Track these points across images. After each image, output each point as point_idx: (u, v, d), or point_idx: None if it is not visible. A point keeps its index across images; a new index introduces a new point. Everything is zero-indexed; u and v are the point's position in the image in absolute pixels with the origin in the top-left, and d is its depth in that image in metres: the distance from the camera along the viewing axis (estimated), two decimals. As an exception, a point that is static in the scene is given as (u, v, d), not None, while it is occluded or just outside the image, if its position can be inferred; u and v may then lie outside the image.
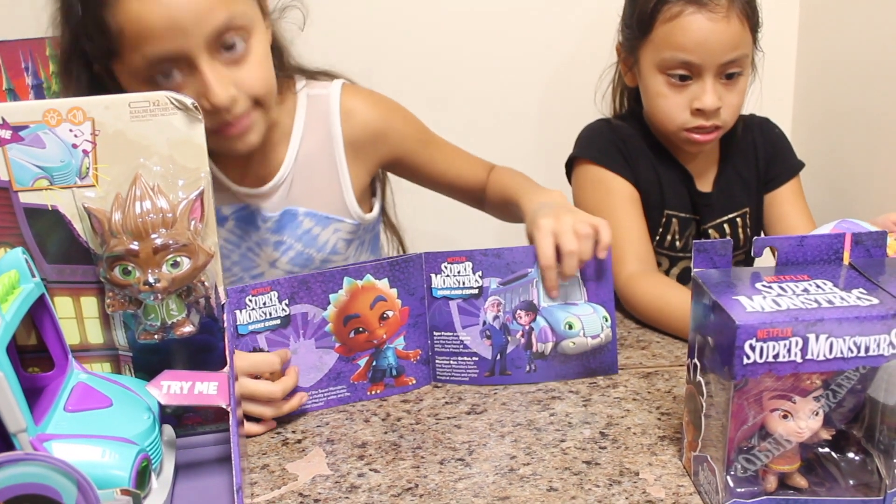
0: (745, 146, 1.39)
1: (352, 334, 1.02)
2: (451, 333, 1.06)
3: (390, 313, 1.03)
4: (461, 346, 1.06)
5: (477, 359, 1.05)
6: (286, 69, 1.19)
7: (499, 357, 1.05)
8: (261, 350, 0.97)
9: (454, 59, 1.71)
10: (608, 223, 1.04)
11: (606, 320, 1.04)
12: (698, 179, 1.37)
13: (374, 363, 1.04)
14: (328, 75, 1.24)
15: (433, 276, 1.05)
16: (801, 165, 1.41)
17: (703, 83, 1.24)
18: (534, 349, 1.04)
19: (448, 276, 1.04)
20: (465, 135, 1.56)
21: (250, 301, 0.95)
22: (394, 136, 1.24)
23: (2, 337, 0.67)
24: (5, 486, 0.67)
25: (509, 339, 1.04)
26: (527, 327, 1.04)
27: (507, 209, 1.22)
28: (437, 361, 1.07)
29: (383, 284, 1.02)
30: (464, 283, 1.04)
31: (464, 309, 1.05)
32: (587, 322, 1.04)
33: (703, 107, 1.24)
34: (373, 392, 1.04)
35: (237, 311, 0.94)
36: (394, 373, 1.05)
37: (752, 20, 1.25)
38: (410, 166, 1.29)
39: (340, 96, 1.20)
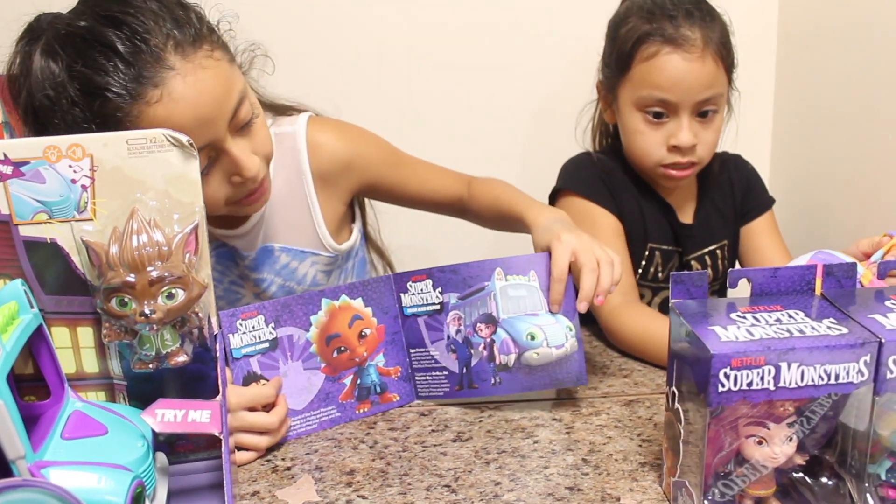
0: (722, 181, 1.43)
1: (335, 353, 1.05)
2: (423, 349, 1.10)
3: (368, 331, 1.07)
4: (433, 362, 1.10)
5: (447, 373, 1.09)
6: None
7: (465, 370, 1.08)
8: (255, 373, 1.00)
9: (437, 92, 1.74)
10: (620, 260, 1.05)
11: (571, 330, 1.04)
12: (679, 212, 1.40)
13: (358, 381, 1.07)
14: (295, 110, 1.26)
15: (402, 294, 1.09)
16: (772, 201, 1.45)
17: (679, 121, 1.28)
18: (497, 361, 1.06)
19: (414, 294, 1.08)
20: (446, 162, 1.60)
21: (241, 325, 0.98)
22: (362, 162, 1.25)
23: (2, 366, 0.70)
24: (5, 511, 0.69)
25: (472, 352, 1.07)
26: (488, 340, 1.06)
27: (504, 220, 1.22)
28: (416, 378, 1.11)
29: (358, 304, 1.07)
30: (427, 300, 1.08)
31: (430, 325, 1.09)
32: (550, 332, 1.03)
33: (679, 143, 1.28)
34: (361, 410, 1.08)
35: (230, 335, 0.96)
36: (378, 390, 1.09)
37: (726, 61, 1.29)
38: (384, 189, 1.30)
39: (307, 131, 1.21)
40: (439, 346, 1.09)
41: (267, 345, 1.01)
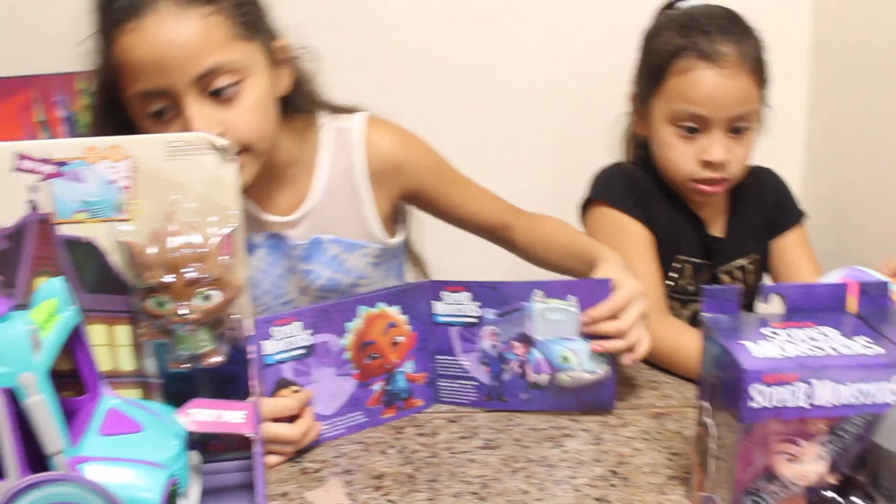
0: (753, 194, 1.42)
1: (367, 360, 1.06)
2: (451, 358, 1.10)
3: (401, 338, 1.08)
4: (461, 371, 1.10)
5: (476, 383, 1.10)
6: (309, 107, 1.23)
7: (496, 383, 1.09)
8: (286, 380, 1.00)
9: (469, 101, 1.75)
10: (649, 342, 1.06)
11: (606, 356, 1.05)
12: (710, 225, 1.39)
13: (386, 387, 1.08)
14: (352, 111, 1.28)
15: (435, 302, 1.09)
16: (803, 215, 1.44)
17: (711, 136, 1.28)
18: (529, 379, 1.07)
19: (448, 303, 1.09)
20: (480, 172, 1.59)
21: (275, 331, 0.98)
22: (413, 168, 1.27)
23: (44, 362, 0.71)
24: (42, 504, 0.71)
25: (505, 367, 1.08)
26: (522, 358, 1.07)
27: (560, 255, 1.24)
28: (439, 383, 1.12)
29: (394, 311, 1.07)
30: (462, 312, 1.08)
31: (463, 335, 1.09)
32: (584, 357, 1.05)
33: (712, 159, 1.28)
34: (386, 416, 1.08)
35: (264, 342, 0.97)
36: (404, 395, 1.09)
37: (760, 77, 1.29)
38: (429, 199, 1.31)
39: (365, 128, 1.24)
40: (471, 357, 1.09)
41: (303, 351, 1.01)
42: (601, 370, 1.06)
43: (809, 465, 0.80)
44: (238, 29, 1.06)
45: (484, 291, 1.07)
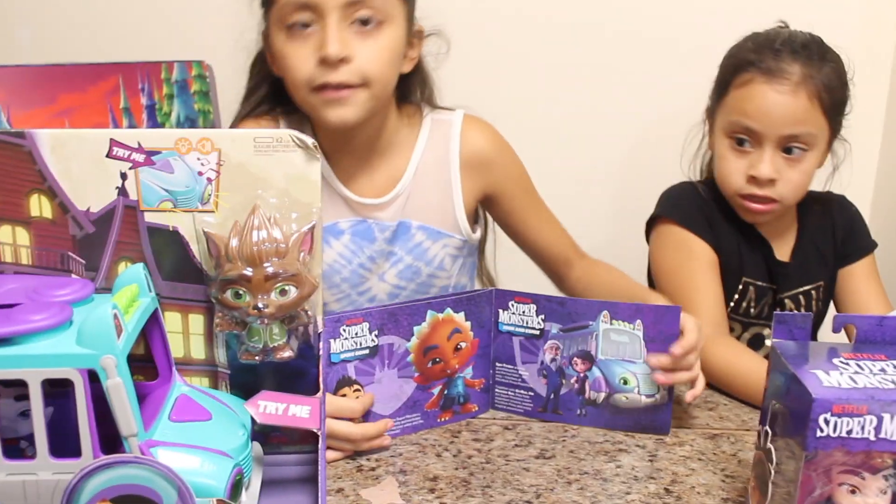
0: (823, 220, 1.41)
1: (430, 364, 1.07)
2: (511, 366, 1.12)
3: (464, 344, 1.09)
4: (519, 380, 1.11)
5: (532, 394, 1.11)
6: (419, 95, 1.30)
7: (552, 396, 1.10)
8: (349, 378, 1.02)
9: (543, 111, 1.75)
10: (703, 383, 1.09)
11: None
12: (777, 249, 1.38)
13: (445, 392, 1.09)
14: (452, 109, 1.33)
15: (501, 311, 1.10)
16: (874, 245, 1.43)
17: (761, 152, 1.27)
18: (586, 395, 1.09)
19: (514, 313, 1.10)
20: (550, 182, 1.59)
21: (344, 331, 1.00)
22: (500, 169, 1.31)
23: (124, 346, 0.73)
24: (114, 484, 0.73)
25: (563, 381, 1.09)
26: (581, 374, 1.08)
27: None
28: (496, 390, 1.13)
29: (460, 317, 1.08)
30: (527, 323, 1.09)
31: (525, 346, 1.10)
32: (643, 380, 1.07)
33: (757, 175, 1.27)
34: (442, 419, 1.09)
35: (331, 340, 0.99)
36: (461, 400, 1.11)
37: (826, 103, 1.26)
38: (506, 208, 1.34)
39: (462, 121, 1.29)
40: (530, 368, 1.10)
41: (367, 351, 1.02)
42: (658, 395, 1.07)
43: (871, 498, 0.79)
44: None
45: (551, 306, 1.08)
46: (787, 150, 1.27)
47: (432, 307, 1.06)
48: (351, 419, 1.01)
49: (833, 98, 1.27)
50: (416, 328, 1.05)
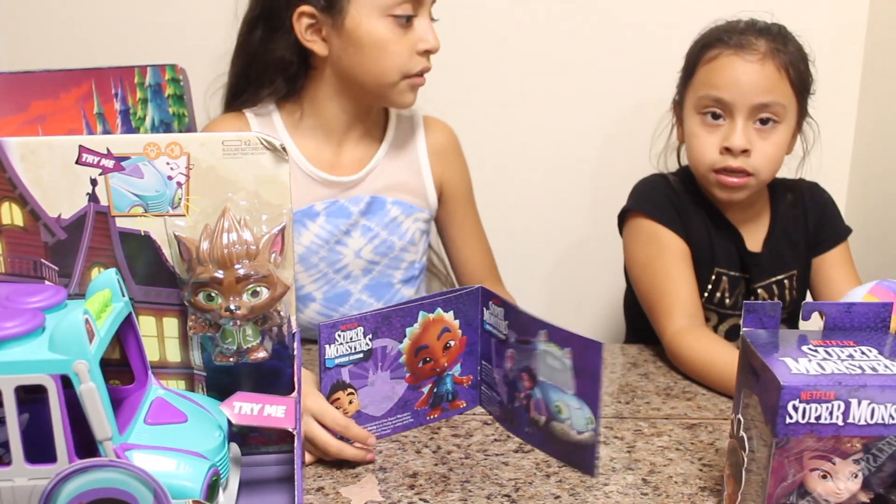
0: (795, 209, 1.41)
1: (420, 364, 1.07)
2: (489, 366, 1.12)
3: (453, 343, 1.09)
4: (494, 382, 1.11)
5: (500, 400, 1.10)
6: None
7: (510, 406, 1.08)
8: (343, 382, 1.01)
9: (516, 105, 1.76)
10: None
11: (591, 423, 0.96)
12: (748, 239, 1.39)
13: (434, 390, 1.09)
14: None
15: (484, 309, 1.11)
16: (848, 231, 1.43)
17: (733, 123, 1.27)
18: (531, 415, 1.04)
19: (492, 314, 1.10)
20: (521, 180, 1.60)
21: (339, 336, 0.99)
22: (454, 166, 1.42)
23: (97, 351, 0.73)
24: (90, 488, 0.73)
25: (516, 394, 1.07)
26: (527, 391, 1.05)
27: None
28: (482, 388, 1.14)
29: (449, 316, 1.08)
30: (498, 327, 1.09)
31: (497, 349, 1.09)
32: (574, 415, 0.98)
33: (731, 145, 1.27)
34: (431, 417, 1.10)
35: (327, 346, 0.97)
36: (450, 397, 1.11)
37: (793, 76, 1.27)
38: (447, 207, 1.42)
39: (422, 117, 1.41)
40: (499, 372, 1.09)
41: (361, 355, 1.02)
42: (586, 435, 0.97)
43: (843, 482, 0.80)
44: None
45: (512, 314, 1.05)
46: (761, 122, 1.28)
47: (424, 308, 1.06)
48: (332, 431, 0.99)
49: (799, 75, 1.28)
50: (408, 329, 1.05)
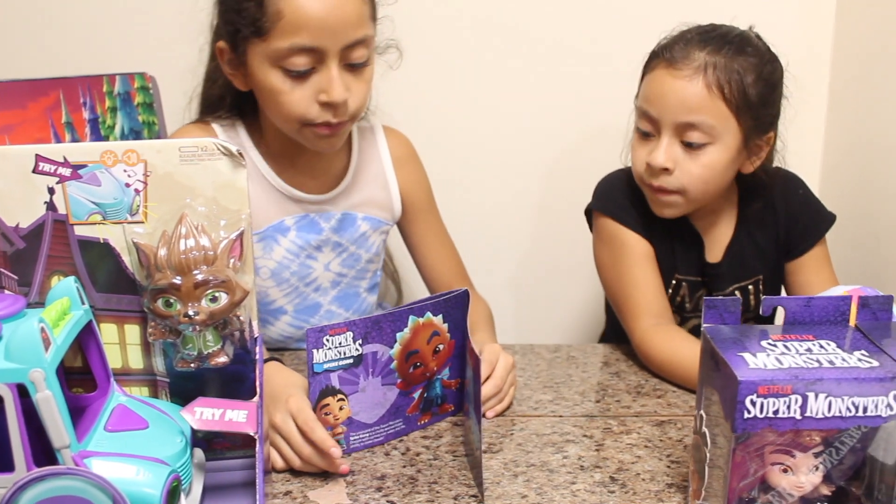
0: (764, 214, 1.36)
1: (411, 369, 1.07)
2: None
3: (441, 346, 1.09)
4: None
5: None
6: None
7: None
8: (332, 388, 1.00)
9: (483, 104, 1.75)
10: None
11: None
12: (710, 246, 1.35)
13: (425, 395, 1.09)
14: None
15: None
16: (825, 228, 1.36)
17: (659, 140, 1.23)
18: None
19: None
20: (487, 176, 1.60)
21: (327, 341, 0.98)
22: (415, 175, 1.41)
23: (53, 360, 0.73)
24: (49, 496, 0.73)
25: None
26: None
27: None
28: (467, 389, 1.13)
29: (438, 320, 1.08)
30: None
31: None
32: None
33: (650, 161, 1.23)
34: (422, 422, 1.10)
35: (315, 350, 0.97)
36: (439, 402, 1.11)
37: (729, 94, 1.19)
38: (409, 216, 1.41)
39: (382, 128, 1.40)
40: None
41: (351, 361, 1.01)
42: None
43: (804, 475, 0.81)
44: (373, 10, 1.20)
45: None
46: (687, 144, 1.22)
47: (414, 312, 1.05)
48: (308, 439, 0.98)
49: (742, 91, 1.20)
50: (398, 335, 1.04)
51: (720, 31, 1.25)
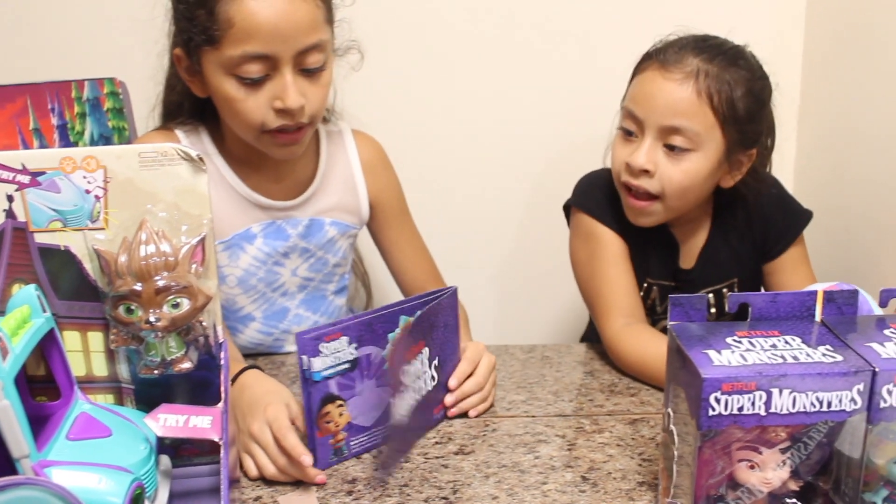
0: (737, 219, 1.35)
1: None
2: None
3: None
4: None
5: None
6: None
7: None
8: (332, 395, 0.99)
9: (462, 101, 1.75)
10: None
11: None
12: (684, 250, 1.35)
13: None
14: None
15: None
16: (801, 227, 1.36)
17: (642, 141, 1.23)
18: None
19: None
20: (472, 173, 1.60)
21: (324, 348, 0.97)
22: (385, 179, 1.39)
23: (10, 368, 0.73)
24: (7, 508, 0.72)
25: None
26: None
27: None
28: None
29: None
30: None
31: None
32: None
33: (630, 161, 1.23)
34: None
35: (312, 359, 0.95)
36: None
37: (717, 103, 1.19)
38: (380, 220, 1.40)
39: (351, 132, 1.38)
40: None
41: (347, 365, 1.00)
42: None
43: (771, 471, 0.81)
44: (328, 14, 1.18)
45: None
46: (669, 147, 1.21)
47: (404, 311, 1.04)
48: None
49: (731, 103, 1.19)
50: (390, 335, 1.03)
51: (716, 41, 1.24)
